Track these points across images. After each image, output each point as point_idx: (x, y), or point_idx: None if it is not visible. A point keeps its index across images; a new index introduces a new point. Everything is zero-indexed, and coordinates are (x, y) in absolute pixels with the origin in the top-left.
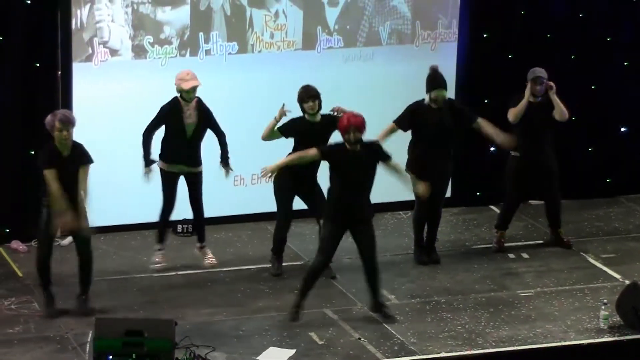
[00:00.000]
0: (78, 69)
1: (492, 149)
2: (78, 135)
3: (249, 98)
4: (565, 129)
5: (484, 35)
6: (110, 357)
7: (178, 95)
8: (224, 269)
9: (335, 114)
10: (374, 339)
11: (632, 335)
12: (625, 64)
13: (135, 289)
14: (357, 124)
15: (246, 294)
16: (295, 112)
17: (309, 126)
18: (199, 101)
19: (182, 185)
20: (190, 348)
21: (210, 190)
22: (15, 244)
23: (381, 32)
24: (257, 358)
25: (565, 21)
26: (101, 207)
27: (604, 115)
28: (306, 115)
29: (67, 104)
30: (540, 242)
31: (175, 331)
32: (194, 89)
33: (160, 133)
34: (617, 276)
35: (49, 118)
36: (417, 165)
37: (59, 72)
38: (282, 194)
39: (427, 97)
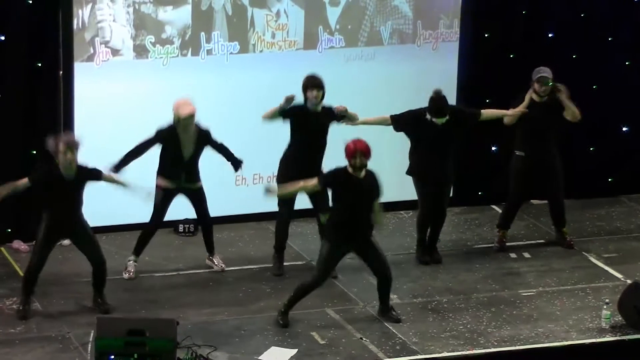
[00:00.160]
0: (79, 69)
1: (493, 148)
2: (78, 135)
3: (250, 98)
4: (567, 129)
5: (486, 35)
6: (112, 356)
7: (175, 123)
8: (226, 269)
9: (337, 112)
10: (375, 339)
11: (634, 335)
12: (626, 63)
13: (137, 288)
14: (363, 149)
15: (248, 293)
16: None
17: (309, 114)
18: (197, 126)
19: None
20: (192, 348)
21: (212, 190)
22: (17, 244)
23: (382, 32)
24: (259, 358)
25: (566, 21)
26: (103, 207)
27: (605, 115)
28: (308, 104)
29: (69, 103)
30: (542, 241)
31: (177, 331)
32: (191, 115)
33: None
34: (619, 276)
35: (51, 141)
36: (419, 170)
37: (61, 72)
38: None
39: (428, 115)
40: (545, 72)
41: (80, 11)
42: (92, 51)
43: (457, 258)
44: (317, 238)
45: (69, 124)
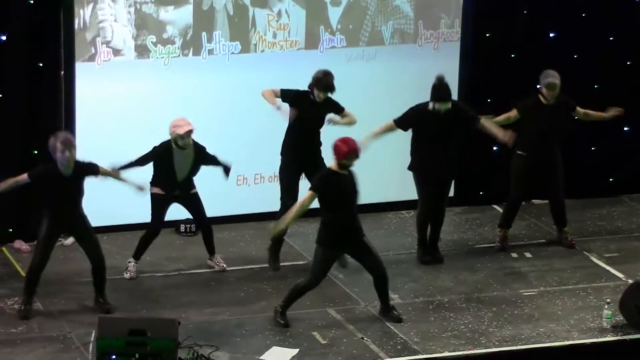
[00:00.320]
0: (81, 69)
1: (494, 148)
2: (80, 135)
3: (251, 98)
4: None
5: (487, 35)
6: (114, 356)
7: (173, 142)
8: (227, 269)
9: (329, 123)
10: (377, 339)
11: (635, 335)
12: (628, 63)
13: (138, 288)
14: (356, 151)
15: (249, 293)
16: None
17: (310, 103)
18: (194, 142)
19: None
20: (193, 347)
21: (213, 190)
22: (19, 244)
23: (384, 32)
24: (261, 357)
25: (567, 21)
26: (104, 207)
27: None
28: (311, 95)
29: (70, 103)
30: (543, 241)
31: (178, 330)
32: (188, 133)
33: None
34: (620, 275)
35: (51, 141)
36: (421, 165)
37: (62, 72)
38: (288, 174)
39: (431, 104)
40: (553, 76)
41: (81, 11)
42: (93, 51)
43: (459, 258)
44: None
45: (70, 124)
